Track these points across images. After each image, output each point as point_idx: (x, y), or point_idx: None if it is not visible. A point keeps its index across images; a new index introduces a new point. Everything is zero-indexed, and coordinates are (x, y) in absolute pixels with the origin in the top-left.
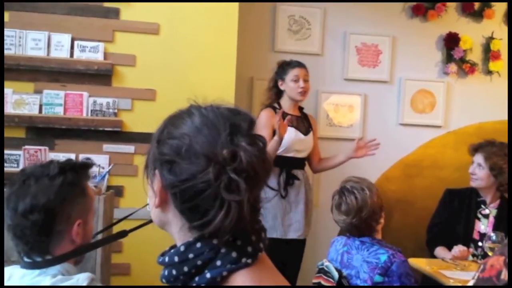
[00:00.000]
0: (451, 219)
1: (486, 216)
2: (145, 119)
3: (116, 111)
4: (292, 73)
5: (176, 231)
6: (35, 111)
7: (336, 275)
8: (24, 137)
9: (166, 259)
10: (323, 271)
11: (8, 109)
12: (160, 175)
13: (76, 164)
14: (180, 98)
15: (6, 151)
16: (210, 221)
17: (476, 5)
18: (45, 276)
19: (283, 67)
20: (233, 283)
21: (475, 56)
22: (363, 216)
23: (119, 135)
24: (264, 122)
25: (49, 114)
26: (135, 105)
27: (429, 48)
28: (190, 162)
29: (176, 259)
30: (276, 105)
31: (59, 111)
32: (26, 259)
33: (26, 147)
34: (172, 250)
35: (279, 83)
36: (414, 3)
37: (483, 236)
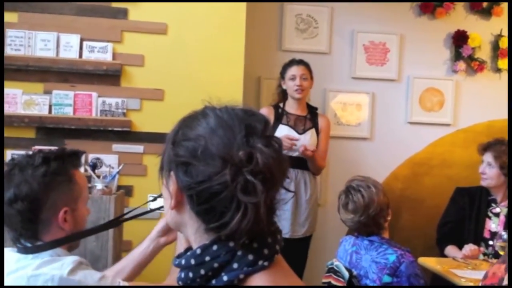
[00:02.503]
0: (462, 218)
1: (497, 215)
2: (153, 118)
3: (125, 111)
4: (290, 72)
5: (192, 233)
6: (45, 112)
7: (346, 274)
8: (34, 137)
9: (183, 261)
10: (332, 271)
11: (18, 110)
12: (175, 177)
13: (62, 153)
14: (188, 98)
15: (16, 151)
16: (226, 223)
17: (484, 2)
18: (37, 260)
19: (284, 67)
20: (258, 279)
21: (484, 53)
22: (370, 213)
23: (128, 135)
24: None
25: (58, 115)
26: (144, 105)
27: (437, 46)
28: (206, 164)
29: (192, 261)
30: (280, 105)
31: (68, 111)
32: (18, 245)
33: (36, 147)
34: (188, 253)
35: (282, 82)
36: (422, 1)
37: (494, 234)
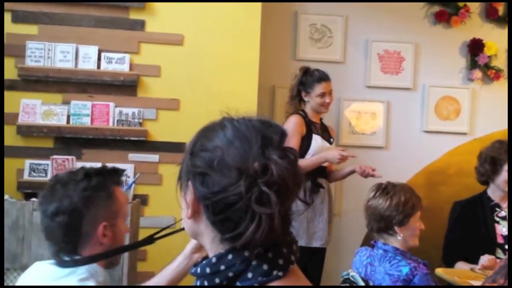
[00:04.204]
0: (468, 231)
1: (504, 218)
2: (169, 128)
3: (141, 120)
4: (318, 89)
5: (209, 242)
6: (63, 122)
7: (363, 285)
8: (52, 147)
9: (198, 270)
10: (348, 281)
11: (37, 120)
12: (193, 187)
13: (103, 169)
14: (203, 108)
15: (35, 161)
16: (241, 234)
17: (501, 11)
18: (73, 277)
19: (307, 79)
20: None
21: (500, 62)
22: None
23: (144, 145)
24: (294, 129)
25: (76, 124)
26: (160, 114)
27: (453, 55)
28: (222, 174)
29: (208, 270)
30: (301, 112)
31: (86, 121)
32: (57, 259)
33: (54, 156)
34: (204, 262)
35: (303, 94)
36: (437, 9)
37: (506, 238)
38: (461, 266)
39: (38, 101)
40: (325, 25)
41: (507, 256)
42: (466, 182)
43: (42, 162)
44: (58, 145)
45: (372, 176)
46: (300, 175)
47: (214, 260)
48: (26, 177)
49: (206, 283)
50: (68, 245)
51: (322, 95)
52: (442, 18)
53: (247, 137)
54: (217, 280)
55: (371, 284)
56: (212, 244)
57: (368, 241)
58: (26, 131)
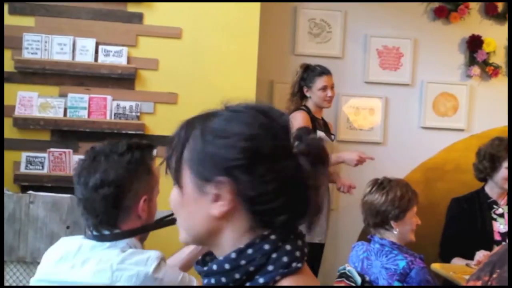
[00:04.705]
0: (466, 228)
1: (502, 215)
2: (167, 122)
3: (139, 114)
4: (320, 82)
5: (231, 237)
6: (60, 115)
7: (359, 280)
8: (49, 140)
9: (214, 267)
10: (345, 276)
11: (34, 112)
12: (232, 182)
13: (141, 144)
14: (201, 102)
15: (31, 154)
16: (278, 214)
17: (500, 7)
18: (115, 249)
19: (309, 74)
20: (287, 283)
21: (499, 58)
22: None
23: (141, 138)
24: (303, 124)
25: (73, 117)
26: (158, 108)
27: (451, 51)
28: (267, 158)
29: (227, 266)
30: (304, 107)
31: (83, 114)
32: (95, 233)
33: (51, 149)
34: (221, 258)
35: (305, 89)
36: (436, 5)
37: (504, 235)
38: (457, 262)
39: (35, 93)
40: (324, 20)
41: (492, 252)
42: (462, 179)
43: (39, 155)
44: (55, 138)
45: (348, 192)
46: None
47: (233, 255)
48: (22, 169)
49: (224, 280)
50: (109, 218)
51: (324, 88)
52: (441, 14)
53: (266, 123)
54: (237, 276)
55: (367, 278)
56: (233, 239)
57: (364, 236)
58: (23, 123)
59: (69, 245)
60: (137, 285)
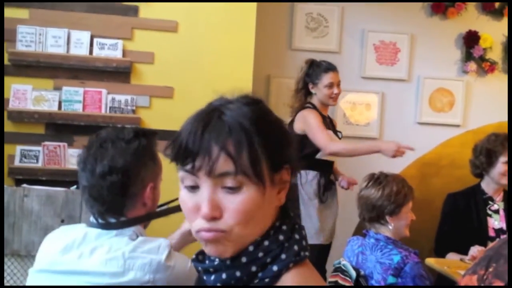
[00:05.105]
0: (461, 224)
1: (497, 212)
2: (163, 116)
3: (134, 108)
4: (326, 79)
5: (261, 228)
6: (54, 108)
7: (353, 274)
8: (43, 133)
9: (228, 262)
10: (340, 270)
11: (28, 106)
12: (289, 168)
13: (147, 130)
14: (197, 96)
15: (25, 147)
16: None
17: (497, 3)
18: (123, 237)
19: (314, 70)
20: (291, 277)
21: (495, 54)
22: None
23: None
24: (319, 122)
25: (68, 111)
26: (153, 102)
27: (448, 46)
28: (292, 142)
29: (244, 260)
30: (310, 105)
31: (78, 107)
32: (100, 221)
33: (46, 143)
34: (237, 253)
35: (310, 86)
36: (434, 1)
37: (498, 231)
38: (452, 257)
39: (29, 86)
40: (321, 14)
41: (488, 247)
42: (458, 174)
43: (33, 148)
44: (49, 132)
45: (349, 188)
46: None
47: (251, 248)
48: (17, 163)
49: (238, 274)
50: (116, 206)
51: (330, 85)
52: (438, 10)
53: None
54: (253, 269)
55: (362, 273)
56: (261, 227)
57: (360, 231)
58: (17, 116)
59: (72, 233)
60: (149, 273)
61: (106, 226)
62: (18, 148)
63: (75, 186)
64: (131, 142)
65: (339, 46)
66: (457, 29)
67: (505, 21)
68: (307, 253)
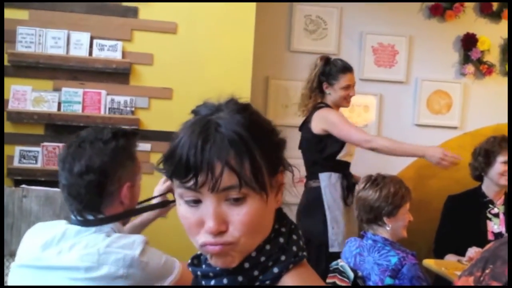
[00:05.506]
0: (460, 226)
1: (497, 215)
2: (162, 117)
3: (133, 109)
4: (344, 81)
5: (267, 230)
6: (54, 109)
7: (351, 275)
8: (42, 134)
9: (230, 268)
10: (337, 271)
11: (28, 107)
12: (283, 166)
13: (126, 131)
14: (196, 97)
15: (25, 148)
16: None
17: (495, 5)
18: (100, 234)
19: (331, 69)
20: (291, 278)
21: (493, 57)
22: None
23: None
24: (342, 117)
25: (67, 112)
26: (152, 103)
27: (446, 49)
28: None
29: (246, 265)
30: (323, 104)
31: (77, 109)
32: (79, 218)
33: (45, 143)
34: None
35: (324, 85)
36: (432, 3)
37: (497, 235)
38: (450, 258)
39: (29, 87)
40: (320, 17)
41: (484, 249)
42: (455, 176)
43: (33, 149)
44: (48, 132)
45: None
46: None
47: (253, 254)
48: (16, 163)
49: (240, 279)
50: (93, 204)
51: (347, 87)
52: (436, 12)
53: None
54: (255, 273)
55: (359, 274)
56: (265, 233)
57: (358, 232)
58: (16, 117)
59: (52, 230)
60: (123, 268)
61: (84, 223)
62: (17, 148)
63: None
64: (109, 143)
65: (338, 48)
66: (455, 31)
67: (502, 23)
68: (305, 253)
